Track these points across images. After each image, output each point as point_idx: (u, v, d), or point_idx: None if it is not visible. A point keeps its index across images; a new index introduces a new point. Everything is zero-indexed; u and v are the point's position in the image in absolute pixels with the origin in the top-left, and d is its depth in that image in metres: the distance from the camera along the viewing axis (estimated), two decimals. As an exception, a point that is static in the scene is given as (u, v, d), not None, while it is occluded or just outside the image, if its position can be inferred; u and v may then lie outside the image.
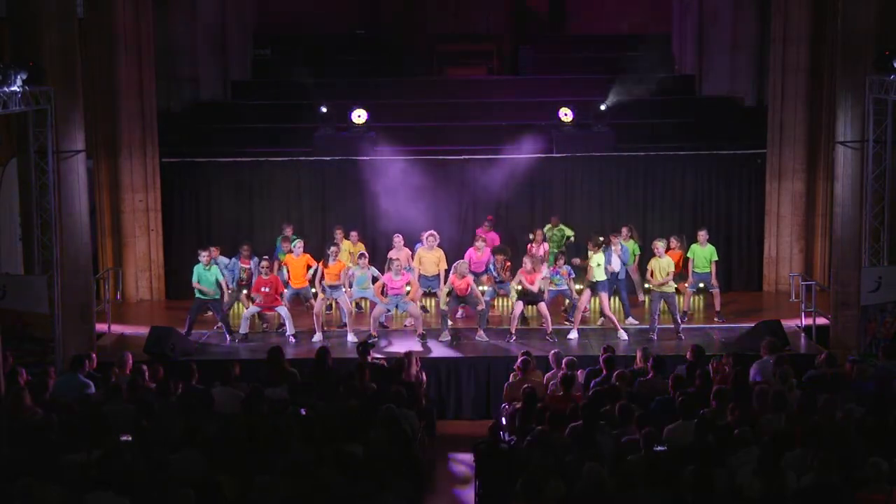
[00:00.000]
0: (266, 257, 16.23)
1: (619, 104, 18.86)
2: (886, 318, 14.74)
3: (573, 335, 15.78)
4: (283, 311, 15.88)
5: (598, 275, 15.80)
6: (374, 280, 16.10)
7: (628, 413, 10.45)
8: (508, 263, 16.07)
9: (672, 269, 15.68)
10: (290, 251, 16.44)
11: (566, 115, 18.30)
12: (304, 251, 16.23)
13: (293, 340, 15.70)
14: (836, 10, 16.03)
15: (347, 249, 16.82)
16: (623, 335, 15.75)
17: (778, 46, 18.61)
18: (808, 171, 18.83)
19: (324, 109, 18.30)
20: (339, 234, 17.05)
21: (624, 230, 17.41)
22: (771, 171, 18.91)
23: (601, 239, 16.49)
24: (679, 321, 15.80)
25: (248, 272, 16.47)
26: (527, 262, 15.65)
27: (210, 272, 15.82)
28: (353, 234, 17.37)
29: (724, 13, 20.51)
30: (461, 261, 16.04)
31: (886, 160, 14.64)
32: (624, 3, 22.85)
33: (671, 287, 15.68)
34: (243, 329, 15.86)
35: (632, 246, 17.31)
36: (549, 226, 17.62)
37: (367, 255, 16.28)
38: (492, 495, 10.36)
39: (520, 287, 15.64)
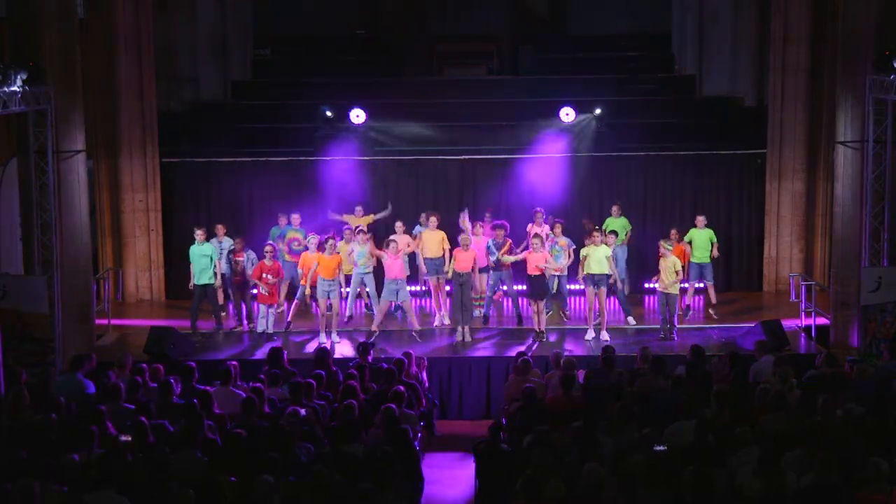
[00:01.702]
0: (270, 243, 16.27)
1: (615, 107, 18.89)
2: (886, 318, 14.73)
3: (590, 335, 15.73)
4: (272, 309, 15.87)
5: (598, 268, 15.59)
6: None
7: (628, 413, 10.45)
8: (510, 241, 16.04)
9: (679, 267, 15.63)
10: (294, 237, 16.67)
11: (567, 115, 18.28)
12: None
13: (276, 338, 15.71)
14: (836, 10, 16.04)
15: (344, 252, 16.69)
16: (591, 334, 15.69)
17: (778, 46, 18.61)
18: (808, 171, 18.83)
19: (329, 113, 18.27)
20: (347, 233, 16.99)
21: (614, 208, 17.46)
22: (771, 171, 18.91)
23: (597, 229, 16.33)
24: (675, 323, 15.79)
25: (241, 266, 16.35)
26: (536, 243, 15.55)
27: (203, 248, 15.81)
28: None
29: (724, 13, 20.50)
30: (463, 234, 16.03)
31: (886, 160, 14.64)
32: (624, 3, 22.82)
33: (676, 288, 15.63)
34: (260, 327, 15.88)
35: (623, 223, 17.30)
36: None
37: (365, 230, 16.24)
38: (492, 495, 10.35)
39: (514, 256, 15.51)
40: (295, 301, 16.45)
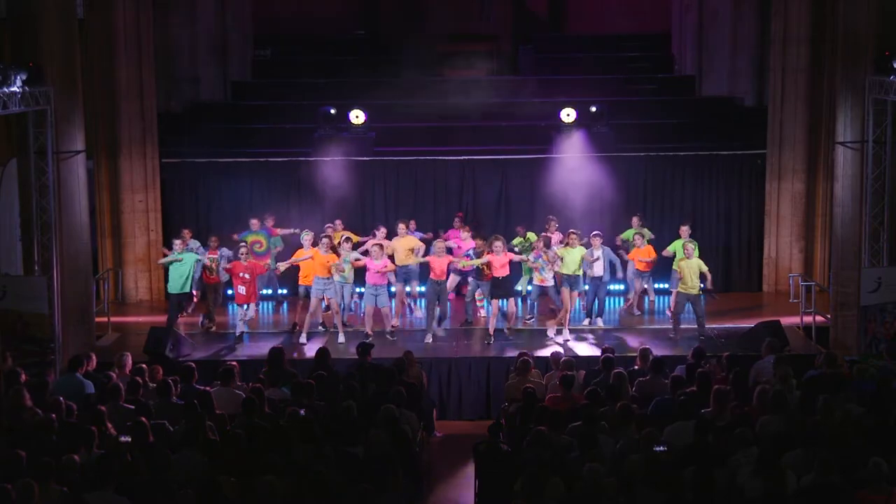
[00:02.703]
0: (243, 243, 16.22)
1: (615, 107, 18.88)
2: (886, 319, 14.73)
3: (566, 336, 15.70)
4: (252, 307, 15.89)
5: (568, 269, 15.67)
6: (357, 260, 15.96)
7: (628, 413, 10.45)
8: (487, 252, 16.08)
9: (702, 268, 15.55)
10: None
11: (568, 115, 18.24)
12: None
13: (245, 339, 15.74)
14: (836, 10, 16.03)
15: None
16: (552, 332, 15.68)
17: (778, 46, 18.59)
18: (808, 171, 18.82)
19: (333, 111, 18.28)
20: (331, 228, 16.95)
21: (635, 219, 17.51)
22: (771, 171, 18.90)
23: (576, 232, 16.23)
24: (704, 324, 15.69)
25: (216, 264, 16.30)
26: (497, 246, 15.40)
27: (186, 256, 15.80)
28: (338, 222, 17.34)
29: (724, 13, 20.50)
30: (438, 240, 16.02)
31: (886, 160, 14.65)
32: (624, 3, 22.82)
33: (696, 289, 15.57)
34: (239, 329, 15.86)
35: (646, 233, 17.32)
36: (518, 238, 17.11)
37: (351, 238, 16.28)
38: (492, 495, 10.36)
39: (486, 261, 15.42)
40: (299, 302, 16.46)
